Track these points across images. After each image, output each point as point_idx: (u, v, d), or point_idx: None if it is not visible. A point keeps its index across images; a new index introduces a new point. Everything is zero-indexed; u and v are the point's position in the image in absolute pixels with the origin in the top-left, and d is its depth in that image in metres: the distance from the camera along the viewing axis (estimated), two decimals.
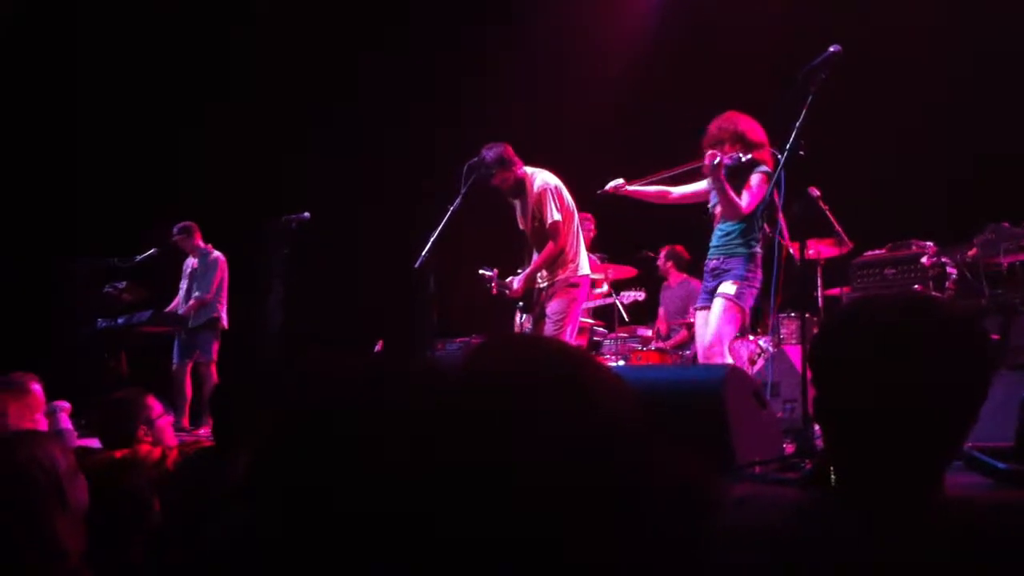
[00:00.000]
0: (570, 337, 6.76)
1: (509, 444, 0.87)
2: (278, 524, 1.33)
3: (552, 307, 6.71)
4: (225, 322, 9.19)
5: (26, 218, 10.17)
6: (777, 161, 5.53)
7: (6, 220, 10.11)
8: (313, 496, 1.32)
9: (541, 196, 6.69)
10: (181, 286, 9.44)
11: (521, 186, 6.82)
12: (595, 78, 10.16)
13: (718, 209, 5.98)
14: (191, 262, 9.42)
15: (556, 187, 6.74)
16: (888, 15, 8.67)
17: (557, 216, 6.65)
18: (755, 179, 5.81)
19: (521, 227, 7.00)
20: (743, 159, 5.75)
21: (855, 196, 7.96)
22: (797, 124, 4.92)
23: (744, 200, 5.79)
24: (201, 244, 9.35)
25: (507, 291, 7.09)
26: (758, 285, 5.82)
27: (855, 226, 7.52)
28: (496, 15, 10.50)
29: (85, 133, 10.47)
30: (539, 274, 6.85)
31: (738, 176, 5.84)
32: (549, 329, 6.64)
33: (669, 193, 6.34)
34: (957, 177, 8.14)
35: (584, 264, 6.83)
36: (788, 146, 4.99)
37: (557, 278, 6.73)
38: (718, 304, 5.76)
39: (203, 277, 9.20)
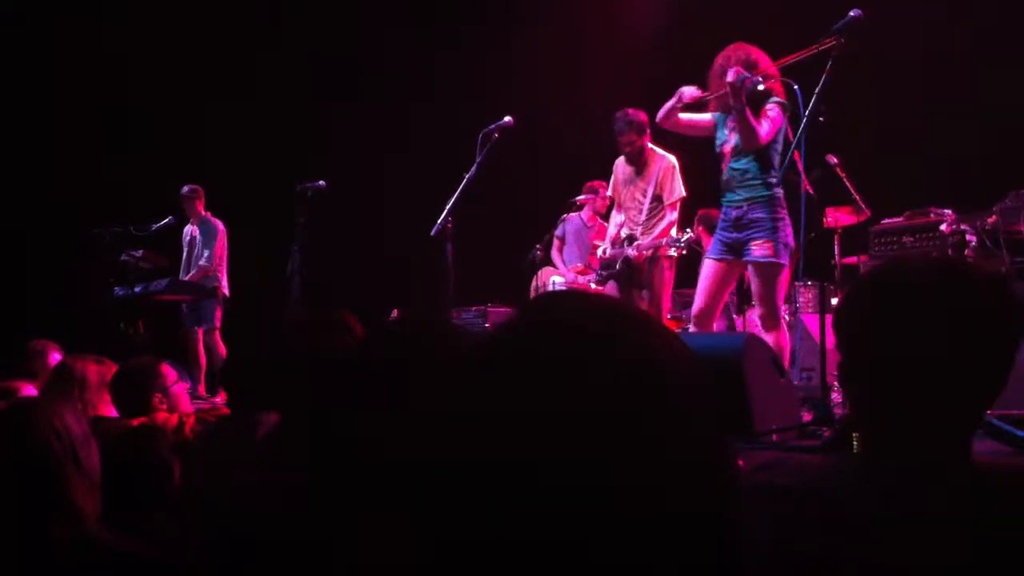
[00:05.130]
0: (667, 312, 7.13)
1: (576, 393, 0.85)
2: (306, 487, 1.34)
3: (656, 280, 7.00)
4: (226, 289, 9.28)
5: (45, 187, 10.19)
6: (791, 92, 5.36)
7: (26, 189, 10.14)
8: (345, 448, 1.32)
9: (671, 172, 7.02)
10: (183, 256, 9.50)
11: (643, 156, 7.08)
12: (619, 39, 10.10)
13: (727, 147, 5.63)
14: (190, 230, 9.51)
15: (678, 168, 7.05)
16: None
17: (683, 192, 7.01)
18: (771, 109, 5.46)
19: (611, 193, 7.35)
20: (759, 86, 5.39)
21: (873, 163, 7.90)
22: (817, 90, 4.87)
23: (763, 128, 5.41)
24: (202, 211, 9.40)
25: (621, 258, 7.18)
26: (790, 228, 5.46)
27: (873, 193, 7.47)
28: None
29: (102, 104, 10.47)
30: (636, 244, 7.04)
31: (752, 106, 5.44)
32: (647, 302, 6.91)
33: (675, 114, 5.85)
34: (977, 144, 8.07)
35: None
36: (808, 111, 4.93)
37: (660, 253, 6.99)
38: (761, 271, 5.45)
39: (205, 245, 9.27)
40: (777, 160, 5.50)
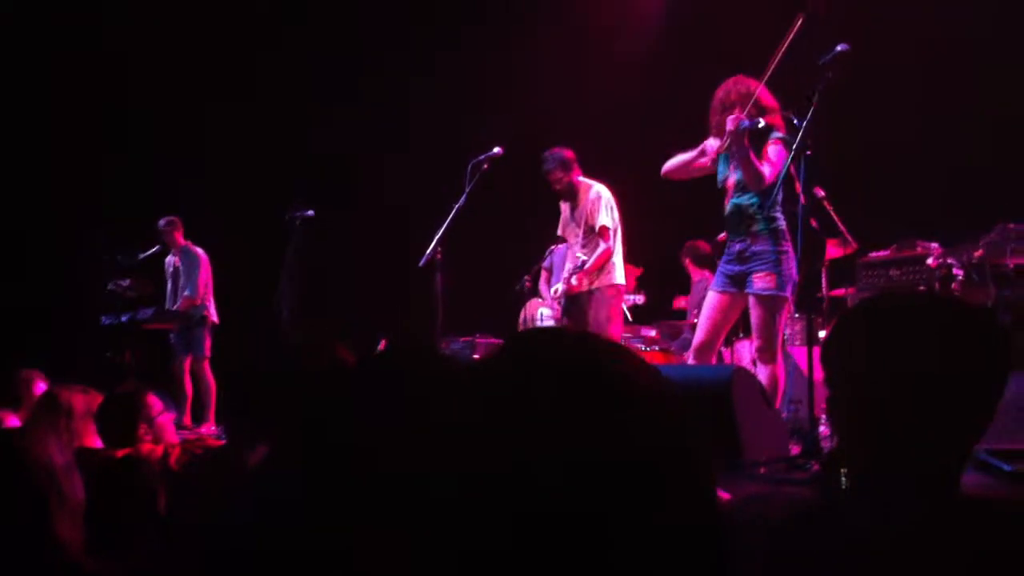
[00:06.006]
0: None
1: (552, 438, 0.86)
2: (296, 515, 1.33)
3: (599, 313, 7.03)
4: (215, 316, 9.23)
5: (31, 215, 10.16)
6: (791, 126, 5.30)
7: (11, 218, 10.10)
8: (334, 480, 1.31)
9: (596, 202, 7.08)
10: (167, 287, 9.47)
11: (574, 191, 7.22)
12: (615, 64, 10.14)
13: (730, 181, 5.59)
14: (172, 260, 9.46)
15: (609, 199, 7.13)
16: (893, 15, 8.64)
17: (607, 222, 7.03)
18: (773, 148, 5.41)
19: (560, 232, 7.42)
20: (759, 124, 5.35)
21: (860, 196, 7.95)
22: (804, 123, 4.90)
23: (767, 170, 5.36)
24: (182, 241, 9.36)
25: (560, 288, 7.32)
26: (793, 260, 5.38)
27: (860, 227, 7.50)
28: (501, 14, 10.50)
29: (92, 132, 10.46)
30: (575, 278, 7.10)
31: (753, 143, 5.40)
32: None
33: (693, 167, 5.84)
34: (963, 177, 8.12)
35: (620, 274, 7.15)
36: (795, 145, 4.96)
37: (601, 283, 7.04)
38: (763, 303, 5.38)
39: (188, 276, 9.23)
40: (780, 193, 5.44)
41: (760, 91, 5.42)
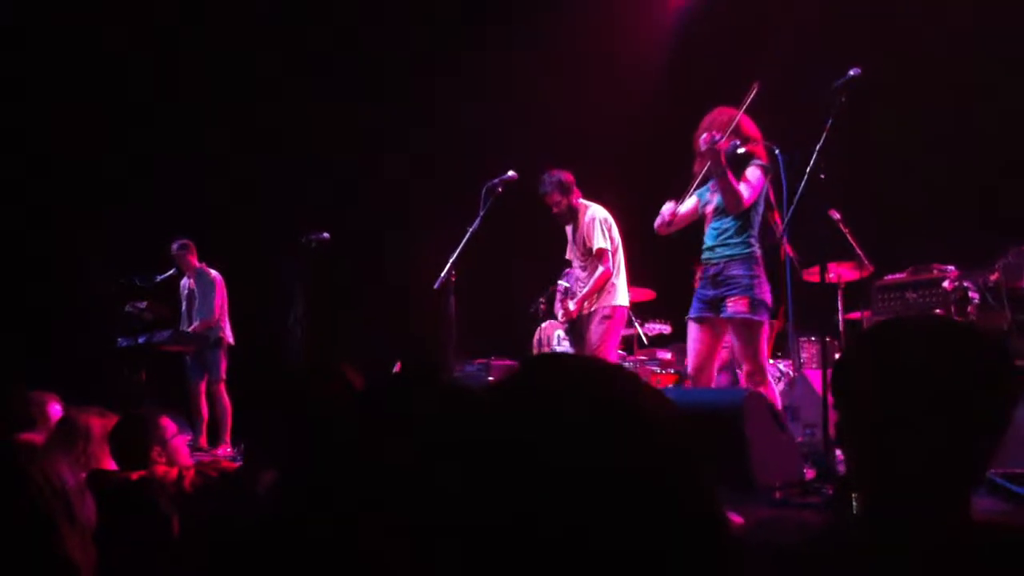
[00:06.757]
0: None
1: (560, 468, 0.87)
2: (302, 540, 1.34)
3: (591, 335, 6.91)
4: (231, 338, 9.26)
5: (48, 236, 10.22)
6: (773, 156, 5.50)
7: (33, 239, 10.18)
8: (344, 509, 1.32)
9: (591, 224, 6.99)
10: (183, 309, 9.51)
11: (574, 214, 7.13)
12: (621, 90, 10.16)
13: (709, 208, 5.75)
14: (187, 282, 9.50)
15: (605, 219, 7.04)
16: (908, 38, 8.64)
17: (604, 244, 6.92)
18: (752, 171, 5.56)
19: (568, 255, 7.32)
20: (739, 149, 5.51)
21: (876, 219, 7.94)
22: (818, 147, 4.92)
23: (744, 192, 5.49)
24: (196, 263, 9.40)
25: (561, 312, 7.30)
26: (767, 286, 5.53)
27: (876, 249, 7.49)
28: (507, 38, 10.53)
29: (107, 153, 10.54)
30: (572, 303, 7.08)
31: (733, 168, 5.52)
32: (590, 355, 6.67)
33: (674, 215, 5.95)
34: (979, 200, 8.10)
35: (622, 296, 7.01)
36: (808, 169, 4.98)
37: (598, 305, 6.94)
38: (738, 327, 5.49)
39: (203, 298, 9.26)
40: (758, 221, 5.60)
41: (742, 119, 5.57)
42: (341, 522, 1.36)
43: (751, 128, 5.61)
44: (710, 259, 5.69)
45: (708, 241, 5.72)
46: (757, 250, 5.57)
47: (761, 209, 5.62)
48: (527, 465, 0.87)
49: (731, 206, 5.53)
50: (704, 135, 5.49)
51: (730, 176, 5.45)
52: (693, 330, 5.73)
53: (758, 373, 5.49)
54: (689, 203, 5.89)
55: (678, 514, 0.88)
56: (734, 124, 5.51)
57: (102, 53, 10.14)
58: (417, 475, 1.09)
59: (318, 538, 1.41)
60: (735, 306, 5.47)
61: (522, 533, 0.85)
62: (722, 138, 5.43)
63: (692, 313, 5.74)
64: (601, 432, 0.88)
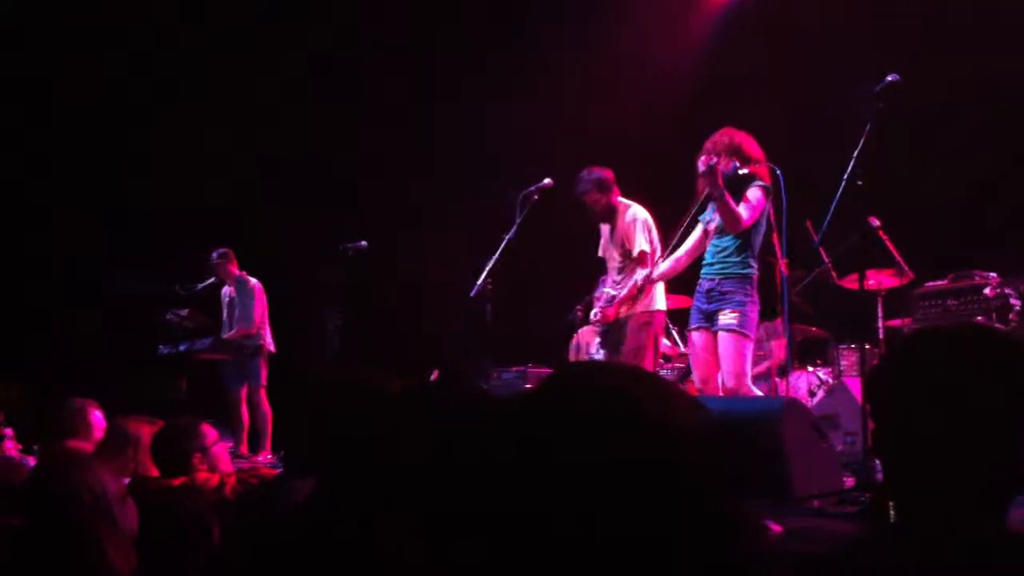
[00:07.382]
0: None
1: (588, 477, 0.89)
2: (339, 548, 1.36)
3: (630, 341, 6.66)
4: (271, 345, 9.32)
5: (91, 246, 10.35)
6: (775, 177, 5.55)
7: (71, 249, 10.32)
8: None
9: (632, 225, 6.76)
10: (224, 317, 9.59)
11: (612, 212, 6.88)
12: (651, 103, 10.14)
13: (712, 225, 5.79)
14: (228, 291, 9.57)
15: (646, 220, 6.80)
16: (945, 42, 8.56)
17: (645, 246, 6.70)
18: (753, 192, 5.59)
19: (601, 254, 7.06)
20: (740, 171, 5.54)
21: (916, 226, 7.86)
22: (855, 153, 4.90)
23: (744, 213, 5.53)
24: (236, 272, 9.46)
25: (597, 316, 6.90)
26: (758, 306, 5.63)
27: (916, 256, 7.42)
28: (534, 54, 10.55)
29: (146, 162, 10.67)
30: (606, 311, 6.83)
31: (734, 189, 5.57)
32: (628, 362, 6.55)
33: (681, 258, 6.09)
34: (1021, 206, 8.01)
35: (660, 300, 6.78)
36: (846, 175, 4.96)
37: (635, 310, 6.66)
38: (726, 340, 5.54)
39: (243, 307, 9.32)
40: (759, 241, 5.67)
41: (743, 140, 5.63)
42: (370, 527, 1.38)
43: (753, 148, 5.65)
44: (707, 275, 5.77)
45: (708, 257, 5.81)
46: (754, 271, 5.65)
47: (763, 229, 5.68)
48: (541, 461, 0.88)
49: (730, 227, 5.59)
50: (703, 157, 5.54)
51: (728, 198, 5.48)
52: (693, 341, 5.83)
53: (738, 391, 5.49)
54: (695, 236, 5.96)
55: (686, 513, 0.89)
56: (735, 145, 5.59)
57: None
58: (440, 470, 1.11)
59: (353, 543, 1.43)
60: (726, 318, 5.57)
61: (533, 525, 0.87)
62: (719, 160, 5.48)
63: (692, 324, 5.84)
64: (611, 431, 0.90)
